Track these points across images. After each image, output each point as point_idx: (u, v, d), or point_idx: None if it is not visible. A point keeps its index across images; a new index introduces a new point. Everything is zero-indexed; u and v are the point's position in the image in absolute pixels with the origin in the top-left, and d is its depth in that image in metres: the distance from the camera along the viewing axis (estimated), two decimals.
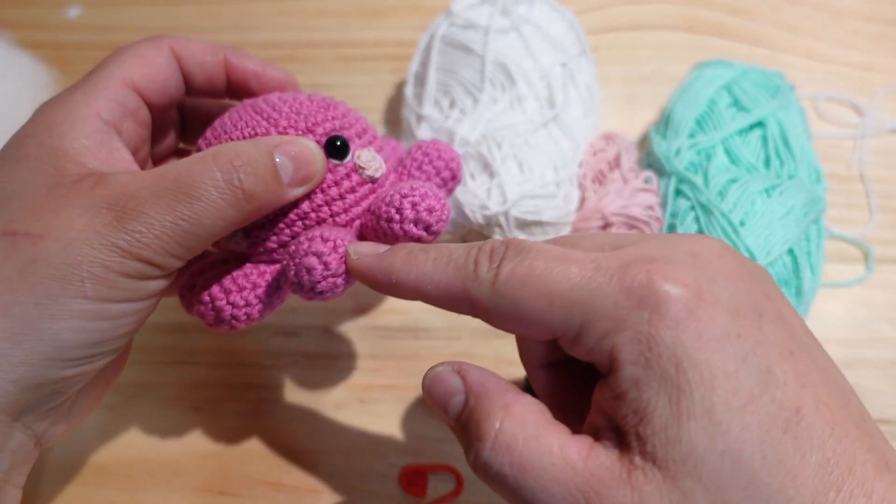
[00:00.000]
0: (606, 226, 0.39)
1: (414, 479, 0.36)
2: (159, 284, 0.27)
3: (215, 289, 0.29)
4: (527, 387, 0.38)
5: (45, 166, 0.26)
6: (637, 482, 0.21)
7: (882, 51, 0.52)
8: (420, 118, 0.42)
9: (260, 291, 0.29)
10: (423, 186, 0.28)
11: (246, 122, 0.30)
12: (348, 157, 0.30)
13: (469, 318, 0.40)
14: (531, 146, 0.39)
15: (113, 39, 0.54)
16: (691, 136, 0.42)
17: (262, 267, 0.30)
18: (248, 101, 0.32)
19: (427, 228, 0.28)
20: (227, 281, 0.29)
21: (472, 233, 0.39)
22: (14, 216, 0.25)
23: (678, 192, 0.40)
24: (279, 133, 0.29)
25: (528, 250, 0.23)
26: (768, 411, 0.21)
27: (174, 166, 0.26)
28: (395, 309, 0.41)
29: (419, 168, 0.31)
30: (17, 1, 0.56)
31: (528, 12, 0.43)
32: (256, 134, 0.29)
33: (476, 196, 0.37)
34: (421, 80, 0.44)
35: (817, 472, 0.21)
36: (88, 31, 0.55)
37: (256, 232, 0.30)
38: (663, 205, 0.40)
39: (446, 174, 0.32)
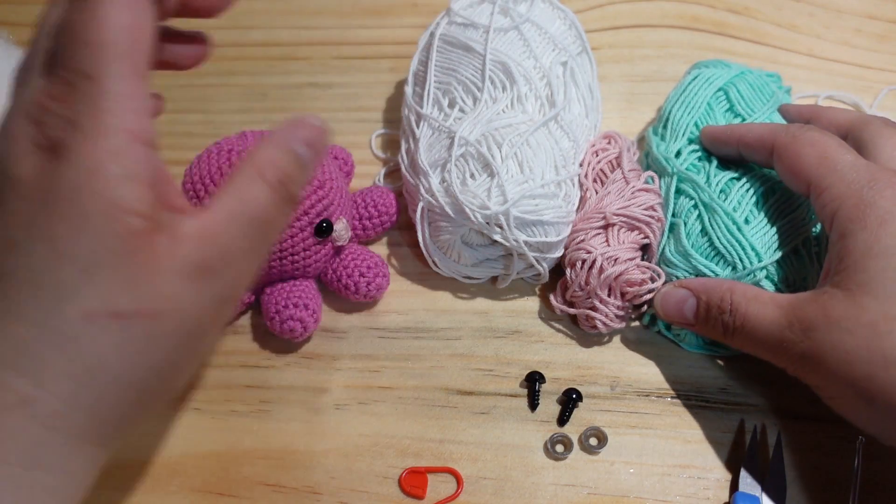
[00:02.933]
0: (607, 226, 0.39)
1: (414, 480, 0.36)
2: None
3: None
4: (533, 386, 0.38)
5: (112, 226, 0.23)
6: (822, 300, 0.31)
7: (884, 50, 0.51)
8: (420, 117, 0.42)
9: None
10: (372, 270, 0.39)
11: None
12: (329, 235, 0.38)
13: (468, 318, 0.40)
14: (531, 145, 0.39)
15: None
16: (691, 140, 0.42)
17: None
18: (234, 160, 0.38)
19: (370, 298, 0.40)
20: None
21: (471, 232, 0.39)
22: (109, 294, 0.23)
23: (679, 192, 0.40)
24: None
25: (824, 135, 0.35)
26: None
27: (232, 196, 0.26)
28: (395, 309, 0.41)
29: (365, 209, 0.41)
30: (16, 0, 0.56)
31: (528, 11, 0.43)
32: None
33: (476, 196, 0.37)
34: (421, 79, 0.44)
35: None
36: None
37: None
38: (664, 205, 0.40)
39: (385, 218, 0.42)
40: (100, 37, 0.24)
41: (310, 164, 0.28)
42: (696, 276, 0.37)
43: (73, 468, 0.25)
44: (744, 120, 0.41)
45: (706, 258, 0.37)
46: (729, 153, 0.40)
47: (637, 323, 0.40)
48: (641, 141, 0.47)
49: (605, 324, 0.38)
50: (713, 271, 0.37)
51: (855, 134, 0.36)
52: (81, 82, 0.24)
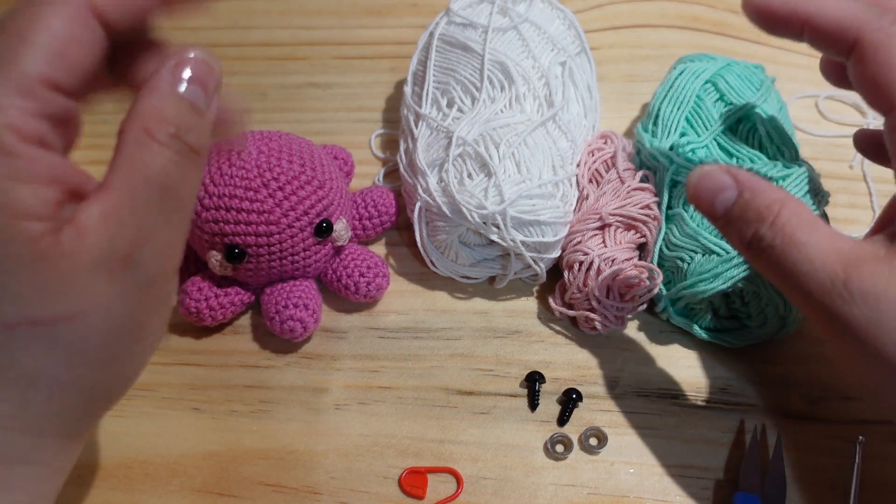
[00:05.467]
0: (604, 227, 0.39)
1: (414, 480, 0.36)
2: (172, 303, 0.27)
3: (203, 305, 0.38)
4: (533, 386, 0.38)
5: (12, 234, 0.21)
6: None
7: None
8: (419, 117, 0.42)
9: (235, 308, 0.39)
10: (372, 270, 0.39)
11: (241, 196, 0.36)
12: (329, 235, 0.38)
13: (468, 318, 0.40)
14: (529, 146, 0.39)
15: None
16: (683, 134, 0.41)
17: (242, 291, 0.39)
18: (234, 160, 0.37)
19: (370, 298, 0.40)
20: (213, 300, 0.38)
21: (469, 232, 0.39)
22: (23, 303, 0.22)
23: (676, 183, 0.40)
24: (282, 215, 0.36)
25: None
26: None
27: (127, 167, 0.23)
28: (395, 309, 0.41)
29: (365, 209, 0.41)
30: (17, 0, 0.56)
31: (527, 11, 0.43)
32: (252, 209, 0.36)
33: (473, 196, 0.37)
34: (420, 79, 0.44)
35: None
36: None
37: (243, 271, 0.38)
38: (660, 200, 0.40)
39: (385, 218, 0.42)
40: (28, 37, 0.22)
41: (203, 104, 0.24)
42: (704, 255, 0.37)
43: (43, 458, 0.25)
44: (735, 107, 0.41)
45: (718, 237, 0.37)
46: (785, 32, 0.32)
47: (637, 324, 0.40)
48: None
49: (604, 325, 0.38)
50: (725, 249, 0.37)
51: None
52: None
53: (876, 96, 0.29)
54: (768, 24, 0.32)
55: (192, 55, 0.24)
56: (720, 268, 0.36)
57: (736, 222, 0.29)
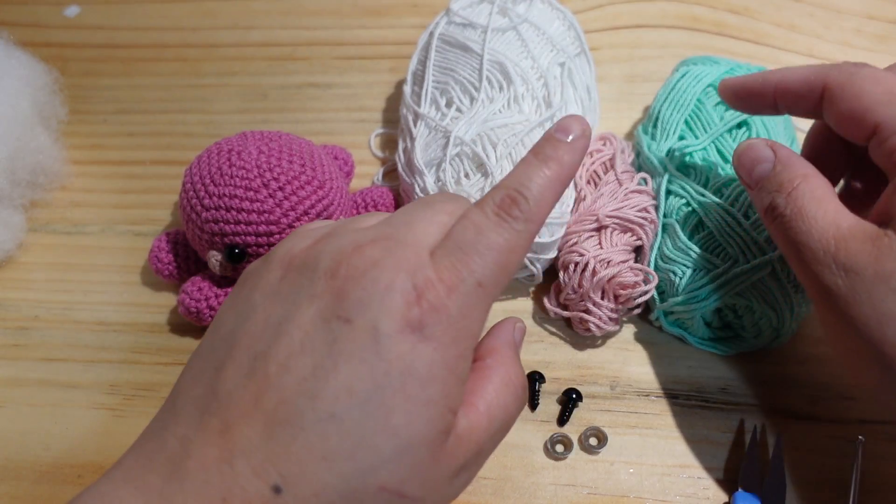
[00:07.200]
0: (600, 228, 0.39)
1: None
2: None
3: (203, 305, 0.38)
4: (533, 386, 0.38)
5: (438, 419, 0.24)
6: (880, 245, 0.27)
7: (883, 49, 0.51)
8: (417, 117, 0.42)
9: None
10: None
11: (241, 196, 0.36)
12: None
13: None
14: (527, 146, 0.39)
15: (112, 38, 0.54)
16: (681, 137, 0.41)
17: None
18: (234, 160, 0.37)
19: None
20: (213, 300, 0.38)
21: None
22: (406, 476, 0.24)
23: (670, 192, 0.40)
24: (282, 215, 0.36)
25: (887, 71, 0.31)
26: None
27: (497, 407, 0.27)
28: None
29: (365, 209, 0.42)
30: (16, 0, 0.56)
31: (526, 11, 0.43)
32: (252, 209, 0.36)
33: (469, 196, 0.37)
34: (419, 79, 0.44)
35: None
36: (87, 30, 0.55)
37: (243, 271, 0.37)
38: (657, 205, 0.40)
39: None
40: None
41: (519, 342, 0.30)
42: (694, 271, 0.37)
43: None
44: (735, 112, 0.40)
45: (708, 251, 0.37)
46: (760, 108, 0.35)
47: (636, 323, 0.40)
48: None
49: (598, 326, 0.38)
50: (714, 264, 0.37)
51: None
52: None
53: (854, 127, 0.30)
54: (744, 101, 0.35)
55: (519, 325, 0.30)
56: (710, 286, 0.36)
57: (762, 190, 0.32)
